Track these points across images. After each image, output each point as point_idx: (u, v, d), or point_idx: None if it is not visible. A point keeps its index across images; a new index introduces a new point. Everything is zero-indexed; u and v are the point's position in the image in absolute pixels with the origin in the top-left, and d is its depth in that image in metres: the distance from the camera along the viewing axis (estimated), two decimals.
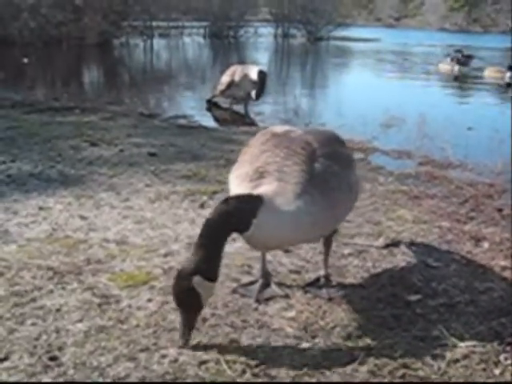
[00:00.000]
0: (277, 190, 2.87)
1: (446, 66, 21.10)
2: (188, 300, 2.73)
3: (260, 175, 3.00)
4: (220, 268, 2.81)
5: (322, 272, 3.62)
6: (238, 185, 3.11)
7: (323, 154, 3.09)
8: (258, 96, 10.41)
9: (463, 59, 21.17)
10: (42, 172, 5.80)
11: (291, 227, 2.87)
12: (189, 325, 2.79)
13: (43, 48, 23.01)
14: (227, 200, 2.82)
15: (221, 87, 10.96)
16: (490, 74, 19.25)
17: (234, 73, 10.76)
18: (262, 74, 10.32)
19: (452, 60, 22.52)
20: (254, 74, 10.40)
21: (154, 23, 33.83)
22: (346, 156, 3.37)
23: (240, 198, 2.84)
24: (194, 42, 34.43)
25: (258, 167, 3.03)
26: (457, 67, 20.49)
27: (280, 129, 3.36)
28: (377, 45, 35.96)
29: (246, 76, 10.53)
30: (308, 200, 2.88)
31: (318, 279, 3.60)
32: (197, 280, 2.70)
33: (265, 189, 2.90)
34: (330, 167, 3.06)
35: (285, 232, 2.89)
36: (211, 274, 2.74)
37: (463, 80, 19.05)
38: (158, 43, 31.88)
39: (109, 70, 19.88)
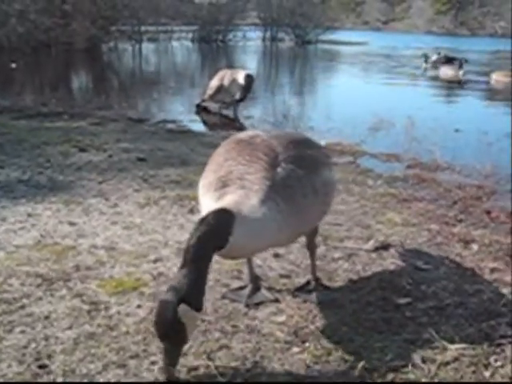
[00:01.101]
0: (241, 200, 2.79)
1: (448, 72, 20.21)
2: (173, 332, 2.50)
3: (223, 184, 2.92)
4: (205, 296, 2.65)
5: (309, 276, 3.62)
6: (203, 194, 3.05)
7: (286, 159, 3.00)
8: (242, 98, 10.50)
9: (458, 62, 20.58)
10: (31, 178, 5.77)
11: (260, 235, 2.81)
12: (173, 361, 2.56)
13: (31, 53, 22.92)
14: (202, 222, 2.67)
15: (210, 92, 10.98)
16: (498, 78, 18.45)
17: (222, 77, 10.80)
18: (248, 77, 10.50)
19: (436, 61, 22.74)
20: (241, 78, 10.48)
21: (143, 28, 33.81)
22: (313, 159, 3.24)
23: (214, 218, 2.68)
24: (182, 47, 34.43)
25: (221, 176, 2.96)
26: (461, 72, 19.65)
27: (245, 135, 3.29)
28: (365, 48, 36.09)
29: (234, 80, 10.57)
30: (272, 206, 2.81)
31: (307, 283, 3.58)
32: (183, 309, 2.48)
33: (229, 199, 2.82)
34: (294, 171, 2.97)
35: (256, 241, 2.83)
36: (198, 303, 2.56)
37: (467, 86, 18.09)
38: (147, 48, 31.84)
39: (97, 74, 19.83)
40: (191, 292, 2.52)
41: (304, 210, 3.01)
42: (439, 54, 24.65)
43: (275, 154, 3.00)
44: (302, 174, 3.01)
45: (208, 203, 2.93)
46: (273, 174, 2.90)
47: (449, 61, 24.09)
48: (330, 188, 3.34)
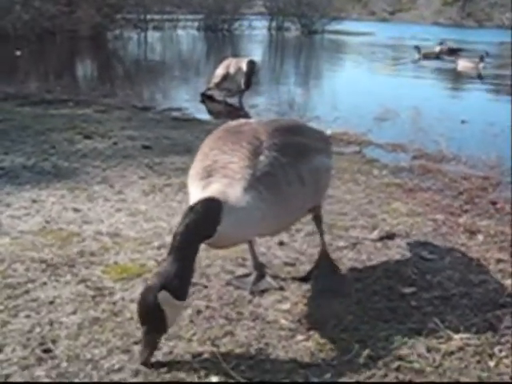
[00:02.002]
0: (225, 190, 2.77)
1: (467, 64, 19.29)
2: (152, 318, 2.51)
3: (208, 174, 2.90)
4: (190, 287, 2.66)
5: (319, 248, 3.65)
6: (190, 184, 3.04)
7: (270, 146, 2.96)
8: (247, 86, 10.46)
9: (479, 56, 19.57)
10: (35, 164, 5.77)
11: (245, 224, 2.78)
12: (150, 346, 2.57)
13: (36, 41, 22.85)
14: (191, 210, 2.66)
15: (215, 80, 10.94)
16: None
17: (228, 66, 10.75)
18: (251, 63, 10.45)
19: (441, 51, 22.58)
20: (245, 66, 10.43)
21: (148, 16, 33.65)
22: (300, 146, 3.17)
23: (203, 207, 2.67)
24: (188, 35, 34.29)
25: (207, 166, 2.93)
26: (481, 65, 18.78)
27: (235, 123, 3.28)
28: (371, 38, 35.91)
29: (240, 69, 10.52)
30: (255, 195, 2.78)
31: (311, 271, 3.58)
32: (163, 296, 2.48)
33: (213, 189, 2.80)
34: (277, 159, 2.92)
35: (241, 230, 2.81)
36: (180, 292, 2.53)
37: (488, 81, 17.11)
38: (152, 36, 31.72)
39: (102, 62, 19.78)
40: (174, 280, 2.51)
41: (289, 199, 2.96)
42: (441, 44, 24.52)
43: (259, 142, 2.96)
44: (285, 161, 2.95)
45: (194, 192, 2.92)
46: (255, 163, 2.87)
47: (453, 52, 24.04)
48: (321, 175, 3.28)
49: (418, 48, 23.26)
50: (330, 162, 3.49)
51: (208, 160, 2.97)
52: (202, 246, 3.88)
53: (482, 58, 19.05)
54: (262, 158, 2.90)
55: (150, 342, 2.57)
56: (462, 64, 19.60)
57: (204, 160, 3.00)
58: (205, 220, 2.65)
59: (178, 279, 2.52)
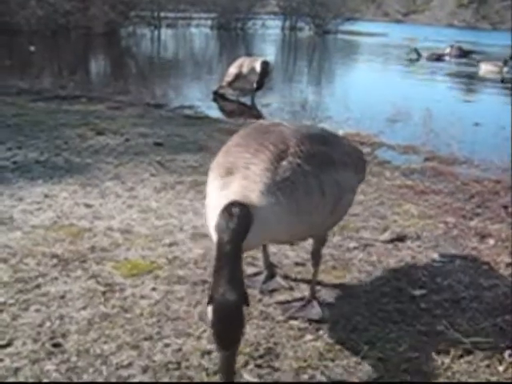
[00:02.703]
0: (246, 193, 2.63)
1: (490, 68, 18.79)
2: (238, 334, 2.28)
3: (228, 171, 2.77)
4: None
5: (307, 293, 3.31)
6: (210, 178, 2.91)
7: (295, 153, 2.81)
8: (260, 86, 10.48)
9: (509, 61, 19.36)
10: (48, 160, 5.79)
11: (262, 230, 2.61)
12: (233, 365, 2.27)
13: (50, 37, 22.98)
14: (228, 215, 2.49)
15: (228, 79, 10.96)
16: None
17: (241, 65, 10.76)
18: (264, 64, 10.47)
19: (451, 49, 22.39)
20: (258, 66, 10.45)
21: (162, 14, 33.75)
22: (326, 156, 2.98)
23: (241, 213, 2.50)
24: (201, 33, 34.35)
25: (229, 162, 2.81)
26: (506, 68, 18.29)
27: (267, 123, 3.16)
28: (384, 39, 35.83)
29: (253, 69, 10.53)
30: (272, 201, 2.63)
31: (302, 298, 3.31)
32: (243, 308, 2.28)
33: (234, 190, 2.66)
34: (299, 167, 2.78)
35: (258, 236, 2.62)
36: (247, 299, 2.34)
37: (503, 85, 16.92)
38: (165, 33, 31.81)
39: (116, 59, 19.85)
40: (242, 287, 2.31)
41: (307, 209, 2.80)
42: (452, 46, 24.42)
43: (285, 147, 2.84)
44: (308, 169, 2.80)
45: (213, 190, 2.81)
46: (276, 167, 2.74)
47: (464, 54, 23.95)
48: (343, 192, 3.05)
49: (416, 50, 23.20)
50: (355, 181, 3.28)
51: (230, 156, 2.86)
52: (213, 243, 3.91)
53: (505, 62, 18.59)
54: (284, 163, 2.77)
55: (233, 359, 2.28)
56: (485, 68, 19.07)
57: (227, 156, 2.90)
58: (244, 227, 2.49)
59: (243, 286, 2.34)
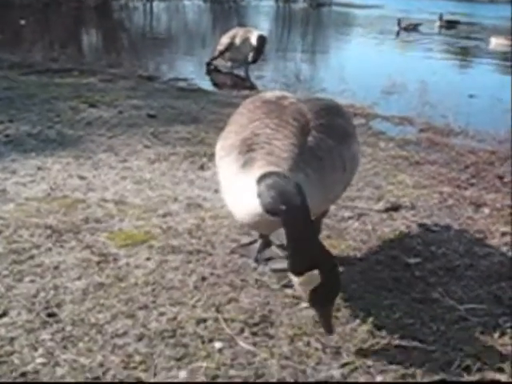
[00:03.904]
0: (274, 170, 2.57)
1: (501, 41, 18.34)
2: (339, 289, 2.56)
3: (248, 148, 2.69)
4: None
5: None
6: (223, 157, 2.85)
7: (317, 126, 2.78)
8: (255, 60, 10.40)
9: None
10: (41, 132, 5.74)
11: None
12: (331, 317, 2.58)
13: (41, 10, 22.68)
14: (288, 181, 2.48)
15: (220, 47, 10.84)
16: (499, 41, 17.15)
17: (235, 35, 10.64)
18: (261, 38, 10.36)
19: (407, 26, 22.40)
20: (254, 38, 10.34)
21: None
22: (343, 128, 2.99)
23: (293, 187, 2.47)
24: (194, 6, 33.98)
25: (246, 138, 2.74)
26: None
27: (271, 95, 3.05)
28: (379, 11, 35.55)
29: (247, 39, 10.42)
30: (301, 178, 2.58)
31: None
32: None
33: (261, 166, 2.59)
34: (324, 141, 2.75)
35: None
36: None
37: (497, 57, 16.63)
38: (158, 6, 31.44)
39: (108, 32, 19.63)
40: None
41: (330, 186, 2.79)
42: (441, 18, 24.24)
43: (306, 120, 2.78)
44: (332, 144, 2.78)
45: (231, 167, 2.72)
46: (302, 143, 2.69)
47: (451, 24, 23.82)
48: (356, 161, 3.11)
49: (399, 20, 23.07)
50: (359, 150, 3.28)
51: (247, 132, 2.77)
52: (208, 214, 3.90)
53: None
54: (310, 138, 2.73)
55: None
56: (496, 41, 18.61)
57: (241, 132, 2.81)
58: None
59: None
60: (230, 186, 2.75)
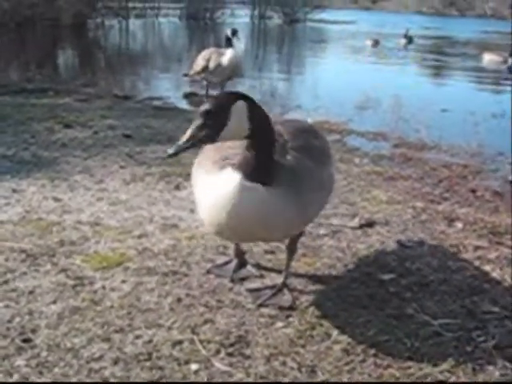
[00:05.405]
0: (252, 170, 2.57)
1: (493, 58, 18.05)
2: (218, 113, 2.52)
3: (225, 158, 2.72)
4: None
5: (280, 280, 3.29)
6: (201, 169, 2.84)
7: (294, 147, 2.81)
8: (228, 79, 10.41)
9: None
10: (16, 154, 5.72)
11: (260, 216, 2.57)
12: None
13: (16, 29, 22.59)
14: None
15: (196, 68, 10.86)
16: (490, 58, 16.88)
17: (209, 58, 10.63)
18: (232, 59, 10.21)
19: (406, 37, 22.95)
20: (225, 60, 10.31)
21: (130, 4, 33.44)
22: (320, 150, 3.04)
23: None
24: (170, 23, 34.12)
25: (221, 156, 2.75)
26: (510, 59, 17.26)
27: None
28: (352, 27, 35.94)
29: (219, 64, 10.41)
30: (279, 193, 2.59)
31: (273, 286, 3.27)
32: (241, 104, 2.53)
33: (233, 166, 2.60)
34: (302, 161, 2.77)
35: (254, 217, 2.59)
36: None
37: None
38: (134, 24, 31.52)
39: (83, 51, 19.61)
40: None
41: (308, 206, 2.78)
42: (406, 34, 24.53)
43: (283, 141, 2.82)
44: (310, 165, 2.80)
45: (206, 173, 2.74)
46: (281, 161, 2.70)
47: (410, 40, 24.18)
48: (332, 184, 3.14)
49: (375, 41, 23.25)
50: (334, 171, 3.28)
51: (223, 151, 2.77)
52: (184, 234, 3.91)
53: None
54: (288, 157, 2.75)
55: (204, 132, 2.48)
56: (489, 58, 18.42)
57: (218, 151, 2.80)
58: None
59: None
60: (205, 185, 2.71)
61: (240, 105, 2.48)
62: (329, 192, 3.10)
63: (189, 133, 2.47)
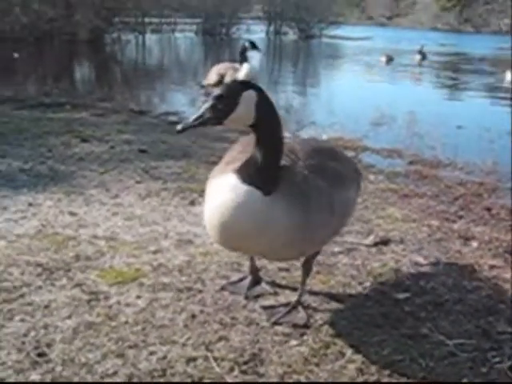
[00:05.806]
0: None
1: None
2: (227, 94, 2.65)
3: (229, 164, 2.83)
4: None
5: (294, 297, 3.28)
6: (212, 179, 2.87)
7: (306, 166, 2.82)
8: None
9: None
10: (32, 168, 5.77)
11: (261, 224, 2.59)
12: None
13: (34, 43, 22.88)
14: None
15: (210, 82, 10.95)
16: None
17: (224, 73, 10.71)
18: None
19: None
20: (241, 76, 10.38)
21: (146, 19, 33.75)
22: (336, 172, 2.99)
23: None
24: (186, 39, 34.37)
25: (229, 163, 2.87)
26: None
27: None
28: (368, 43, 36.02)
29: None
30: (282, 203, 2.61)
31: (287, 304, 3.27)
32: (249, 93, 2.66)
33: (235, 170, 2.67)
34: (312, 180, 2.77)
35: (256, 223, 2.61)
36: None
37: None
38: (150, 39, 31.79)
39: (100, 66, 19.80)
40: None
41: (315, 227, 2.76)
42: (421, 50, 24.52)
43: (295, 158, 2.85)
44: (321, 185, 2.79)
45: (211, 178, 2.87)
46: (289, 174, 2.73)
47: (424, 55, 24.18)
48: (348, 209, 3.10)
49: (390, 56, 23.30)
50: (355, 195, 3.26)
51: (236, 162, 2.80)
52: (198, 250, 3.92)
53: None
54: (297, 172, 2.77)
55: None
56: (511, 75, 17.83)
57: (231, 162, 2.87)
58: None
59: None
60: (207, 189, 2.84)
61: (250, 93, 2.61)
62: (343, 217, 3.04)
63: (199, 113, 2.62)
